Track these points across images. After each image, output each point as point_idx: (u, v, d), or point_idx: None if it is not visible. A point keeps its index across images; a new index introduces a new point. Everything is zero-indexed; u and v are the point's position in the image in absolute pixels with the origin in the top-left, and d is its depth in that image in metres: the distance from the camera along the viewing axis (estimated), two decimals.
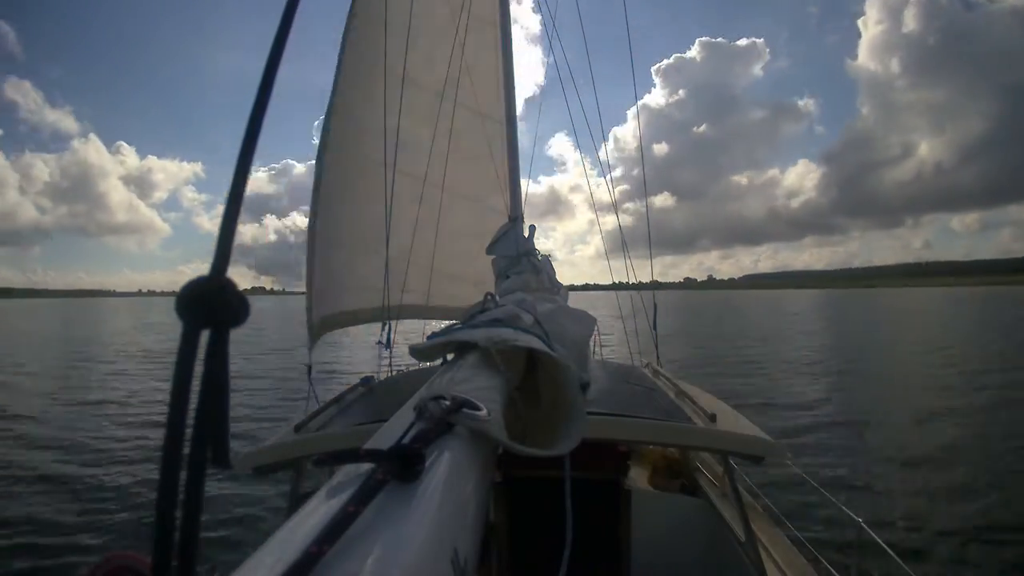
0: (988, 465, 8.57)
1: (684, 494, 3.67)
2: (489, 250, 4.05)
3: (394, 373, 4.74)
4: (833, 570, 2.90)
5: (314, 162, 4.22)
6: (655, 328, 5.37)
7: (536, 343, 1.32)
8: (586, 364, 1.86)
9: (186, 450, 0.43)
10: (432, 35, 4.50)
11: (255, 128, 0.48)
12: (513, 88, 4.52)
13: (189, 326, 0.43)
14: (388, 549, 0.52)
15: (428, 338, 1.55)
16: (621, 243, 5.40)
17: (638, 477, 3.94)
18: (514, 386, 1.26)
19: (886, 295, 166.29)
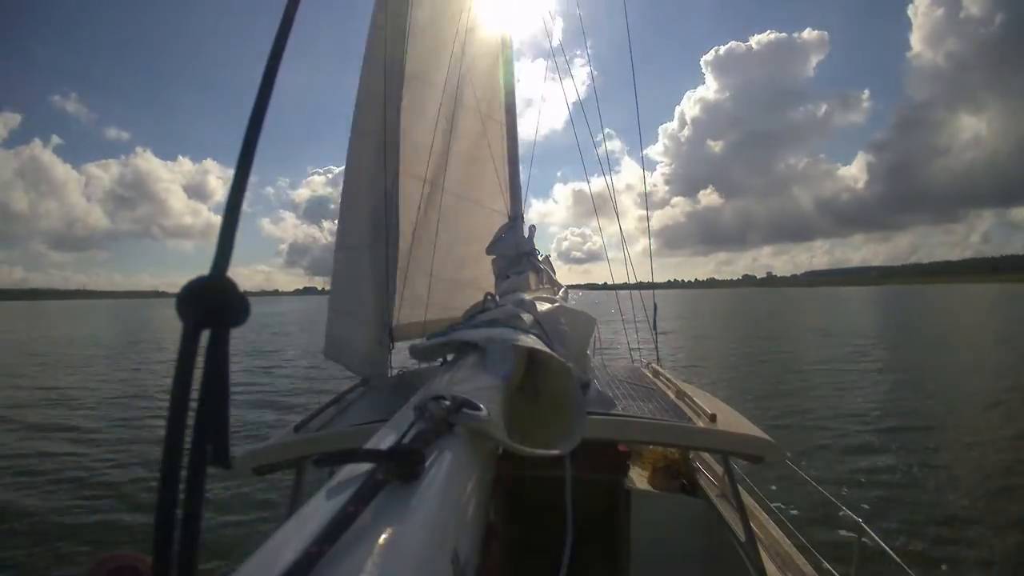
0: None
1: (684, 494, 3.66)
2: (489, 250, 4.05)
3: (394, 373, 4.73)
4: (833, 570, 2.90)
5: None
6: (655, 328, 5.40)
7: (536, 343, 1.32)
8: (586, 364, 1.86)
9: (186, 450, 0.43)
10: (433, 34, 4.48)
11: (255, 129, 0.48)
12: (513, 89, 4.52)
13: (189, 326, 0.43)
14: (388, 549, 0.52)
15: (428, 338, 1.55)
16: (620, 244, 5.42)
17: (638, 477, 3.94)
18: (514, 386, 1.26)
19: (955, 292, 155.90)
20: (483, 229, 4.53)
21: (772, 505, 3.78)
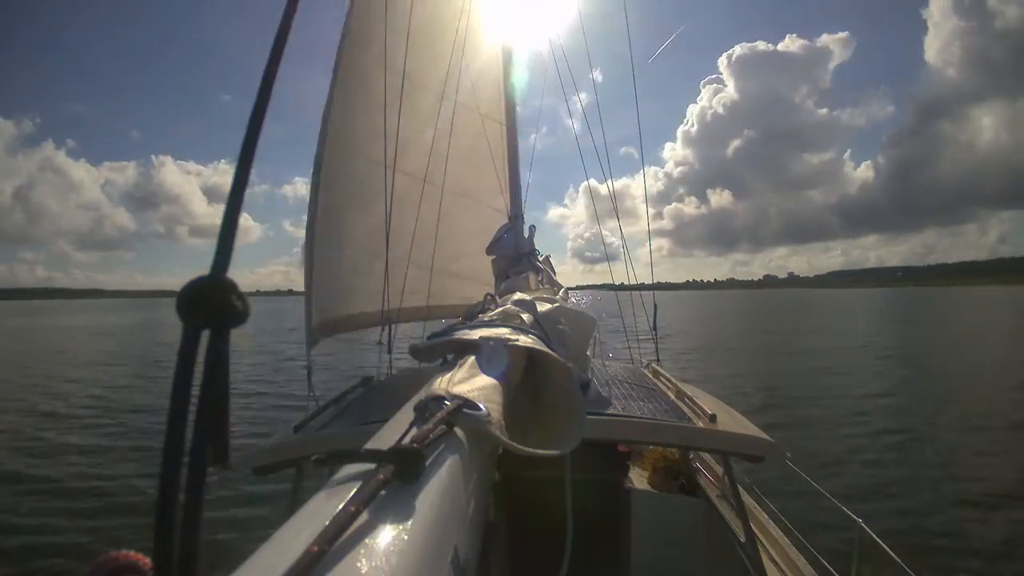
0: None
1: (684, 494, 3.66)
2: (489, 250, 4.05)
3: (394, 373, 4.74)
4: (833, 570, 2.90)
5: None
6: (655, 329, 5.39)
7: (536, 343, 1.32)
8: (586, 364, 1.86)
9: (187, 450, 0.43)
10: (433, 34, 4.49)
11: (255, 130, 0.48)
12: (513, 90, 4.53)
13: (189, 326, 0.43)
14: (388, 549, 0.52)
15: (428, 338, 1.55)
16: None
17: (638, 477, 3.94)
18: (514, 386, 1.25)
19: (972, 294, 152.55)
20: (476, 224, 4.59)
21: (772, 505, 3.78)
